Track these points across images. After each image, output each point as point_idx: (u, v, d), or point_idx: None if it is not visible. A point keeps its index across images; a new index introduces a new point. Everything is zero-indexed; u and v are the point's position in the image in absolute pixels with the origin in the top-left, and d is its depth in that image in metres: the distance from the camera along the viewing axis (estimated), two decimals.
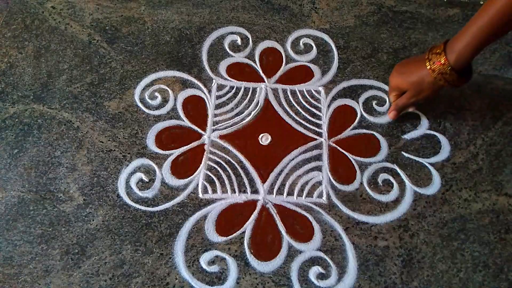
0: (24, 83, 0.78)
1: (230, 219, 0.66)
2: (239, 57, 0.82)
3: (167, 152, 0.72)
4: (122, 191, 0.68)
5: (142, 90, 0.78)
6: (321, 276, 0.62)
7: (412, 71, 0.66)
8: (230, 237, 0.65)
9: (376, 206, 0.67)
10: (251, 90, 0.78)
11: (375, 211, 0.67)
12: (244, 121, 0.75)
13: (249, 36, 0.84)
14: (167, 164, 0.70)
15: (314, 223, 0.66)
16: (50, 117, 0.75)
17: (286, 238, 0.65)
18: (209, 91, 0.78)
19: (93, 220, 0.66)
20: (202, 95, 0.77)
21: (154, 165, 0.70)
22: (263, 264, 0.63)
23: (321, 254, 0.64)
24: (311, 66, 0.81)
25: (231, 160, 0.71)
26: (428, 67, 0.63)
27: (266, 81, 0.79)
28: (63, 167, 0.70)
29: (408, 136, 0.74)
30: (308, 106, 0.77)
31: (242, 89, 0.78)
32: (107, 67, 0.80)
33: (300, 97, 0.78)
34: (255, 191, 0.69)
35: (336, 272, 0.62)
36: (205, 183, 0.69)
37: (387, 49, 0.83)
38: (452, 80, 0.63)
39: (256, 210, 0.67)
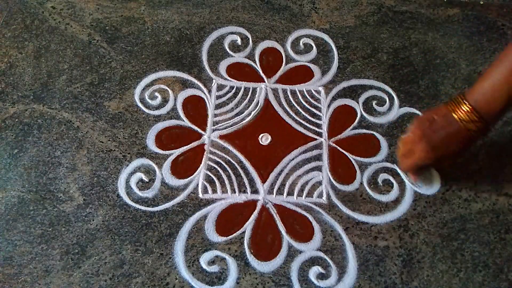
0: (24, 83, 0.78)
1: (230, 219, 0.66)
2: (239, 57, 0.82)
3: (167, 152, 0.72)
4: (122, 191, 0.68)
5: (142, 90, 0.78)
6: (321, 276, 0.62)
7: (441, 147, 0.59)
8: (230, 237, 0.65)
9: (376, 206, 0.67)
10: (251, 90, 0.78)
11: (375, 211, 0.67)
12: (244, 121, 0.75)
13: (249, 36, 0.84)
14: (167, 164, 0.70)
15: (314, 223, 0.66)
16: (50, 117, 0.75)
17: (286, 238, 0.65)
18: (209, 91, 0.78)
19: (93, 220, 0.66)
20: (202, 95, 0.77)
21: (154, 165, 0.70)
22: (263, 264, 0.63)
23: (321, 254, 0.64)
24: (311, 66, 0.81)
25: (231, 160, 0.71)
26: (454, 115, 0.57)
27: (266, 81, 0.79)
28: (63, 167, 0.70)
29: None
30: (308, 106, 0.77)
31: (242, 89, 0.78)
32: (107, 67, 0.80)
33: (300, 97, 0.78)
34: (255, 191, 0.69)
35: (336, 272, 0.62)
36: (205, 183, 0.69)
37: (387, 49, 0.83)
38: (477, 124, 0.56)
39: (256, 210, 0.67)
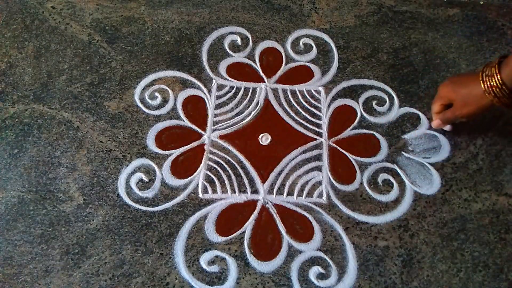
0: (24, 83, 0.78)
1: (230, 219, 0.66)
2: (239, 57, 0.82)
3: (167, 152, 0.72)
4: (122, 191, 0.68)
5: (142, 90, 0.78)
6: (321, 276, 0.62)
7: (464, 82, 0.63)
8: (230, 237, 0.65)
9: (376, 206, 0.67)
10: (251, 90, 0.78)
11: (375, 211, 0.67)
12: (244, 121, 0.75)
13: (249, 36, 0.84)
14: (167, 164, 0.70)
15: (314, 223, 0.66)
16: (50, 117, 0.75)
17: (286, 238, 0.65)
18: (209, 91, 0.78)
19: (93, 220, 0.66)
20: (202, 95, 0.77)
21: (154, 165, 0.70)
22: (263, 264, 0.63)
23: (321, 254, 0.64)
24: (311, 66, 0.81)
25: (231, 160, 0.71)
26: (480, 79, 0.60)
27: (266, 81, 0.79)
28: (63, 167, 0.70)
29: (408, 136, 0.74)
30: (308, 106, 0.77)
31: (242, 89, 0.78)
32: (107, 67, 0.80)
33: (300, 97, 0.78)
34: (255, 191, 0.69)
35: (336, 272, 0.62)
36: (205, 183, 0.69)
37: (387, 49, 0.83)
38: (502, 96, 0.59)
39: (256, 210, 0.67)
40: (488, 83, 0.59)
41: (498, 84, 0.58)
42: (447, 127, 0.73)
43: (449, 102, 0.67)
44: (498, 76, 0.58)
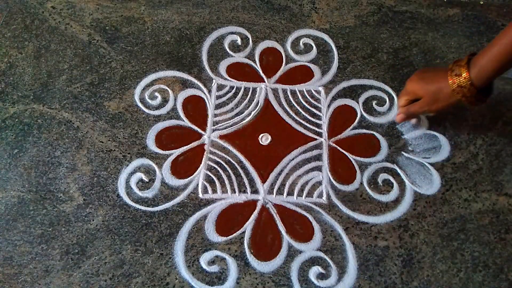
0: (24, 83, 0.78)
1: (230, 219, 0.66)
2: (239, 57, 0.82)
3: (167, 152, 0.72)
4: (122, 191, 0.68)
5: (142, 90, 0.78)
6: (321, 276, 0.62)
7: (433, 80, 0.63)
8: (230, 237, 0.65)
9: (376, 206, 0.67)
10: (251, 90, 0.78)
11: (375, 211, 0.67)
12: (244, 121, 0.75)
13: (249, 36, 0.84)
14: (167, 164, 0.70)
15: (314, 223, 0.66)
16: (50, 117, 0.75)
17: (286, 238, 0.65)
18: (209, 91, 0.78)
19: (93, 220, 0.66)
20: (202, 95, 0.77)
21: (154, 165, 0.70)
22: (263, 264, 0.63)
23: (321, 254, 0.64)
24: (311, 66, 0.81)
25: (231, 160, 0.71)
26: (449, 78, 0.60)
27: (266, 81, 0.79)
28: (63, 167, 0.70)
29: (408, 136, 0.74)
30: (308, 106, 0.77)
31: (242, 89, 0.78)
32: (107, 67, 0.80)
33: (300, 97, 0.78)
34: (255, 191, 0.69)
35: (336, 272, 0.62)
36: (205, 183, 0.69)
37: (387, 49, 0.83)
38: (470, 96, 0.59)
39: (256, 210, 0.67)
40: (457, 83, 0.60)
41: (467, 84, 0.59)
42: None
43: (416, 98, 0.67)
44: (467, 75, 0.58)
